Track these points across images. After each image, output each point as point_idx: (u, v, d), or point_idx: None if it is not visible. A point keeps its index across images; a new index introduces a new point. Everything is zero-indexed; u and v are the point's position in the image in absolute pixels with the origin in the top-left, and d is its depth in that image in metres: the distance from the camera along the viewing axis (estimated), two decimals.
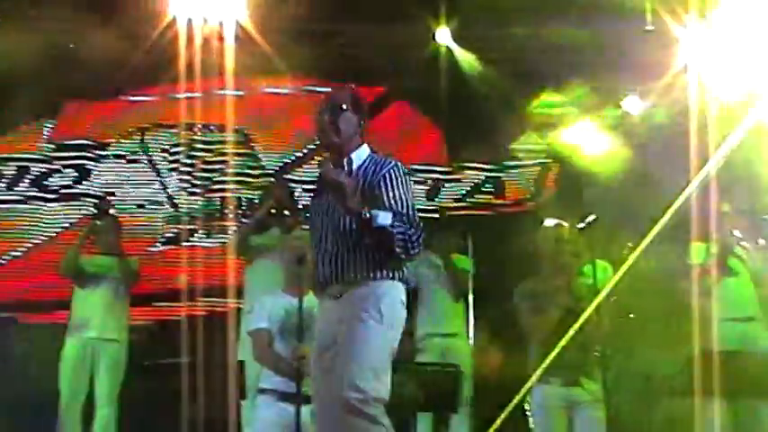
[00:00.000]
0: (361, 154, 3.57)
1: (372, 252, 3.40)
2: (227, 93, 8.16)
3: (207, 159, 8.04)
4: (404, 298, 3.48)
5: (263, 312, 4.87)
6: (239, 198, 7.87)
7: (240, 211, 7.85)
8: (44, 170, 7.82)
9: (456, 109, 7.79)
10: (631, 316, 5.52)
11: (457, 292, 6.21)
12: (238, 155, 8.09)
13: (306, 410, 4.49)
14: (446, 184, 8.12)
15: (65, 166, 7.86)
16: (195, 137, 8.09)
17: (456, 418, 5.75)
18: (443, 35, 7.73)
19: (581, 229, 5.35)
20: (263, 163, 8.11)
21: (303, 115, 8.17)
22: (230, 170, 8.02)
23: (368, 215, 3.28)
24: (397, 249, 3.31)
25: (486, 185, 8.16)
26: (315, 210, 3.62)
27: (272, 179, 7.43)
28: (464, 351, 6.01)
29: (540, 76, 7.77)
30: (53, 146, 7.92)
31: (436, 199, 8.08)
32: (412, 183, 3.55)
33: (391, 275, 3.44)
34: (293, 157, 8.13)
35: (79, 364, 5.99)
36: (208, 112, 8.11)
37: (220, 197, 7.96)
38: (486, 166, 8.18)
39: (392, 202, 3.40)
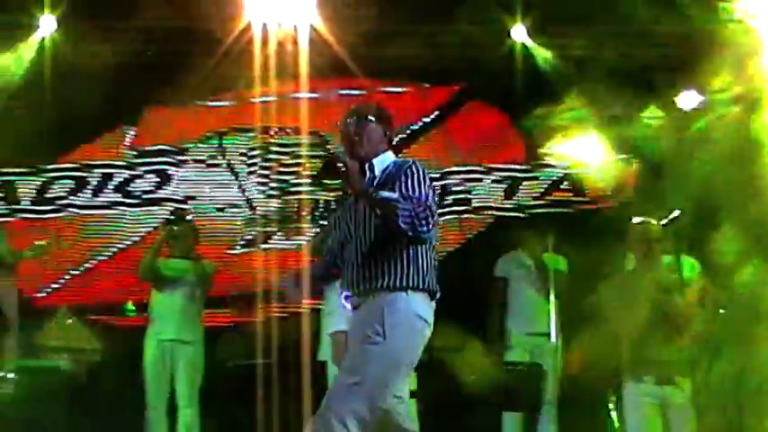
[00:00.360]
0: (384, 159, 3.62)
1: (389, 261, 3.41)
2: (302, 96, 8.25)
3: (284, 162, 8.10)
4: (422, 310, 3.42)
5: (343, 314, 4.87)
6: (316, 200, 7.90)
7: (317, 214, 7.89)
8: (127, 176, 7.98)
9: (533, 106, 7.68)
10: (722, 311, 5.35)
11: (547, 290, 6.13)
12: (315, 157, 8.13)
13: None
14: (524, 183, 8.01)
15: (146, 172, 8.01)
16: (272, 140, 8.16)
17: (544, 417, 5.68)
18: (519, 32, 7.67)
19: (665, 225, 5.26)
20: None
21: None
22: (307, 173, 8.07)
23: (372, 190, 3.39)
24: (403, 225, 3.29)
25: (565, 183, 8.04)
26: (337, 219, 3.72)
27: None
28: (552, 350, 5.92)
29: (618, 70, 7.64)
30: (135, 152, 8.07)
31: (515, 197, 7.98)
32: (429, 179, 3.54)
33: (408, 284, 3.41)
34: None
35: (159, 366, 6.09)
36: (284, 116, 8.19)
37: (297, 200, 8.00)
38: (564, 164, 8.05)
39: (403, 189, 3.43)
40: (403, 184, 3.46)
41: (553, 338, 5.59)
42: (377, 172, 3.57)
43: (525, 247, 6.35)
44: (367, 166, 3.57)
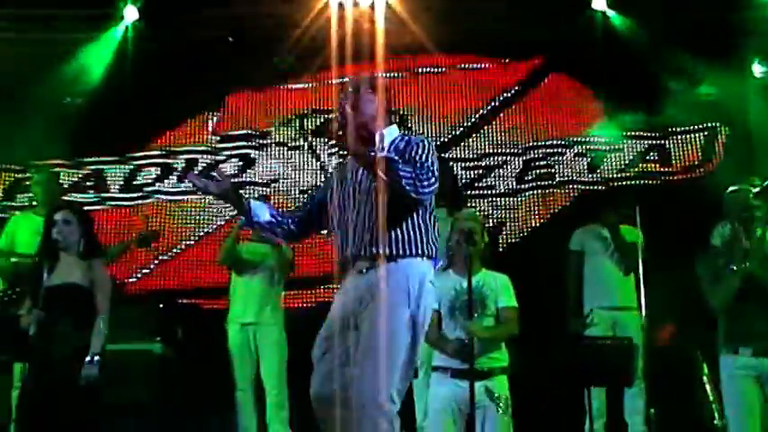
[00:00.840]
0: (391, 131, 3.64)
1: (401, 227, 3.43)
2: (380, 75, 8.24)
3: None
4: (431, 276, 3.48)
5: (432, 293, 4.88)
6: None
7: None
8: (211, 161, 8.09)
9: (615, 76, 7.52)
10: None
11: (626, 264, 5.99)
12: None
13: (479, 386, 4.50)
14: (609, 155, 7.85)
15: (230, 156, 8.11)
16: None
17: (632, 391, 5.59)
18: (599, 1, 7.51)
19: (757, 193, 5.09)
20: None
21: (458, 93, 8.17)
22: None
23: (374, 152, 3.38)
24: (407, 186, 3.32)
25: (651, 154, 7.84)
26: (336, 184, 3.64)
27: None
28: (635, 324, 5.80)
29: (701, 37, 7.42)
30: (218, 137, 8.18)
31: (599, 170, 7.83)
32: (435, 151, 3.57)
33: (418, 252, 3.45)
34: (450, 136, 8.08)
35: (243, 349, 6.18)
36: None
37: None
38: (649, 134, 7.85)
39: (407, 157, 3.46)
40: (407, 154, 3.49)
41: (639, 312, 5.46)
42: (386, 142, 3.57)
43: (601, 219, 6.20)
44: (378, 136, 3.55)
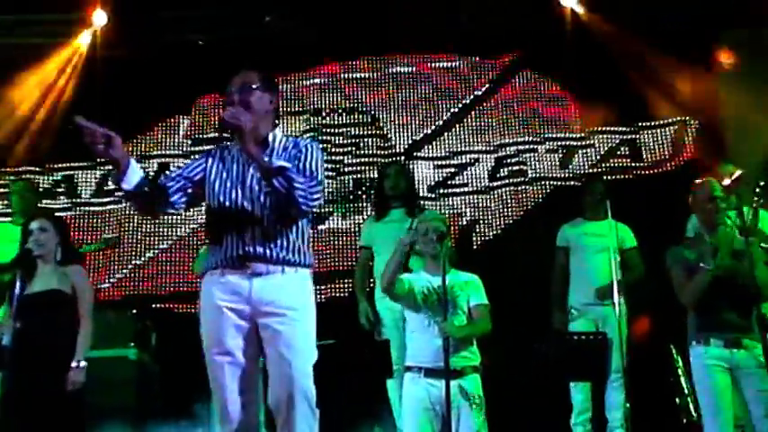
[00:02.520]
0: (277, 133, 3.61)
1: (291, 235, 3.44)
2: (352, 75, 8.26)
3: (336, 143, 8.09)
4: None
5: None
6: (371, 179, 7.88)
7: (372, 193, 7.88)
8: (183, 165, 8.03)
9: (586, 72, 7.57)
10: None
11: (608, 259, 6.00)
12: (367, 136, 8.12)
13: (452, 385, 4.50)
14: (580, 151, 7.89)
15: None
16: (325, 121, 8.16)
17: (612, 385, 5.62)
18: None
19: (727, 186, 5.13)
20: (392, 143, 8.10)
21: (430, 91, 8.19)
22: (360, 151, 8.07)
23: (267, 159, 3.36)
24: (299, 199, 3.31)
25: (622, 148, 7.89)
26: (219, 183, 3.54)
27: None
28: (618, 318, 5.83)
29: (670, 31, 7.49)
30: (190, 140, 8.15)
31: (570, 166, 7.87)
32: (323, 159, 3.60)
33: (309, 263, 3.50)
34: (421, 135, 8.09)
35: None
36: (335, 97, 8.20)
37: (353, 179, 8.00)
38: (619, 129, 7.90)
39: (299, 164, 3.45)
40: (300, 160, 3.46)
41: (617, 307, 5.49)
42: (277, 144, 3.56)
43: (585, 215, 6.24)
44: (270, 137, 3.55)
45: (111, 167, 3.37)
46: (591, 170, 7.74)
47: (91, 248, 6.92)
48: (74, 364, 4.70)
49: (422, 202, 6.85)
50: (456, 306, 4.78)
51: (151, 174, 7.97)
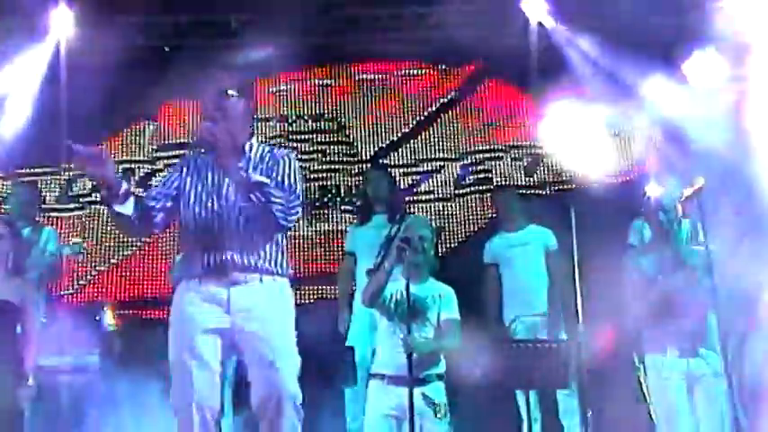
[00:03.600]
0: (253, 142, 3.63)
1: (268, 244, 3.46)
2: (318, 82, 8.27)
3: (302, 150, 8.10)
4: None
5: None
6: (337, 186, 7.90)
7: (338, 199, 7.89)
8: (148, 170, 8.02)
9: (551, 82, 7.63)
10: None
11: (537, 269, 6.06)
12: (333, 143, 8.14)
13: (416, 392, 4.52)
14: (544, 160, 7.96)
15: (167, 165, 8.03)
16: (290, 128, 8.17)
17: (563, 392, 5.66)
18: (531, 7, 7.61)
19: (687, 197, 5.18)
20: (357, 150, 8.13)
21: (396, 99, 8.22)
22: (326, 158, 8.08)
23: (245, 173, 3.36)
24: (277, 214, 3.34)
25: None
26: (194, 194, 3.53)
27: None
28: (553, 329, 5.87)
29: (636, 43, 7.56)
30: (155, 146, 8.11)
31: (535, 175, 7.94)
32: (300, 171, 3.66)
33: (286, 273, 3.54)
34: (387, 142, 8.12)
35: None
36: (301, 103, 8.21)
37: (318, 186, 8.01)
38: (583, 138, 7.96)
39: (279, 179, 3.46)
40: (278, 173, 3.48)
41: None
42: (253, 153, 3.57)
43: (504, 227, 6.30)
44: (246, 146, 3.55)
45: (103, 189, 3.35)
46: (557, 178, 7.81)
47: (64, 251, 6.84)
48: (25, 379, 4.62)
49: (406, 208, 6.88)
50: (425, 318, 4.77)
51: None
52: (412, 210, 7.75)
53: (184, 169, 3.58)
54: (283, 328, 3.47)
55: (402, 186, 7.88)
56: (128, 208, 3.34)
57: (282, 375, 3.38)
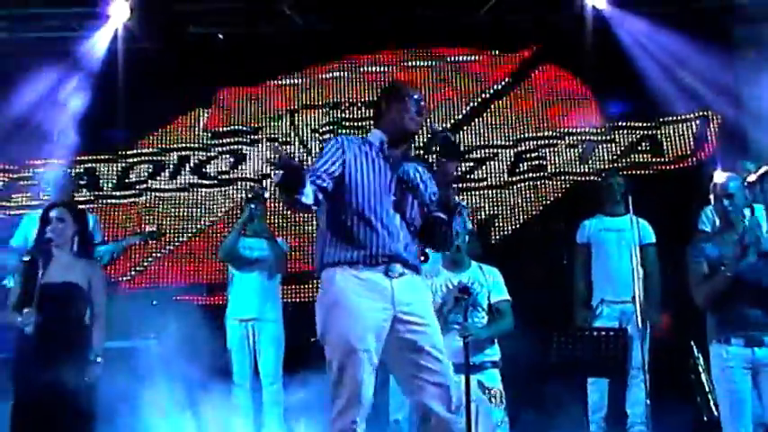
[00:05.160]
0: None
1: (415, 242, 3.52)
2: (371, 68, 8.26)
3: (356, 136, 8.09)
4: None
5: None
6: None
7: None
8: (203, 158, 8.09)
9: (606, 67, 7.53)
10: None
11: (629, 255, 5.96)
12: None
13: (472, 379, 4.50)
14: (600, 146, 7.86)
15: (221, 153, 8.10)
16: (343, 115, 8.17)
17: (632, 382, 5.61)
18: None
19: (751, 182, 5.08)
20: None
21: (449, 86, 8.18)
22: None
23: (451, 192, 3.46)
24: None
25: (643, 144, 7.85)
26: (367, 183, 3.49)
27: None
28: (639, 315, 5.79)
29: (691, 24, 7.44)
30: (210, 133, 8.17)
31: (590, 161, 7.84)
32: None
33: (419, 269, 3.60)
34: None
35: (242, 345, 6.14)
36: (354, 90, 8.21)
37: None
38: (640, 124, 7.86)
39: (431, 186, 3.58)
40: (429, 179, 3.55)
41: (638, 304, 5.45)
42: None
43: (604, 210, 6.21)
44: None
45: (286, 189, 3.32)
46: (611, 165, 7.70)
47: (134, 239, 6.94)
48: (91, 357, 4.72)
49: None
50: (476, 303, 4.77)
51: (171, 166, 8.04)
52: (464, 197, 7.72)
53: (348, 153, 3.53)
54: (435, 323, 3.51)
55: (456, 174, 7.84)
56: (308, 198, 3.35)
57: (450, 371, 3.43)
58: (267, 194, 6.59)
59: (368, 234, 3.41)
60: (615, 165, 7.65)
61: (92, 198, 7.95)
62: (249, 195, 6.48)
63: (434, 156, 3.66)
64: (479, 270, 4.93)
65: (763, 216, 4.66)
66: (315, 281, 7.42)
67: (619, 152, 7.82)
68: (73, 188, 6.79)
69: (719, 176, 4.61)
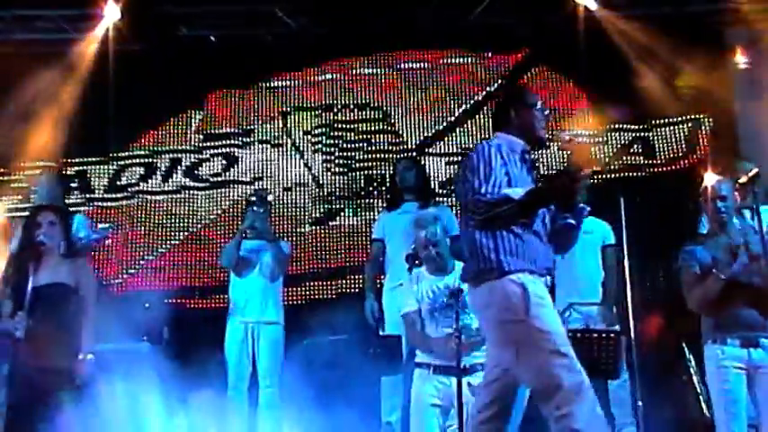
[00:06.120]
0: None
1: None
2: (364, 71, 8.26)
3: (348, 138, 8.10)
4: None
5: (411, 295, 4.90)
6: (382, 175, 7.87)
7: (383, 189, 7.87)
8: (195, 160, 8.07)
9: (599, 69, 7.54)
10: None
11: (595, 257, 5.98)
12: (378, 132, 8.13)
13: (463, 382, 4.50)
14: (593, 148, 7.87)
15: (214, 155, 8.09)
16: (336, 117, 8.17)
17: (615, 383, 5.60)
18: None
19: (742, 183, 5.07)
20: (403, 139, 8.10)
21: (441, 88, 8.18)
22: (372, 147, 8.07)
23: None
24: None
25: (635, 146, 7.86)
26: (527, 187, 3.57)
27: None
28: (606, 319, 5.80)
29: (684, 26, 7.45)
30: (202, 136, 8.16)
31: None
32: None
33: None
34: (433, 131, 8.09)
35: (242, 347, 6.11)
36: (346, 93, 8.21)
37: (364, 175, 8.00)
38: (633, 127, 7.87)
39: None
40: None
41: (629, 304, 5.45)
42: None
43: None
44: None
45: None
46: (604, 167, 7.72)
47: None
48: (80, 357, 4.71)
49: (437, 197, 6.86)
50: (466, 307, 4.77)
51: (163, 168, 8.02)
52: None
53: (511, 165, 3.52)
54: None
55: (448, 176, 7.85)
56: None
57: None
58: (270, 197, 6.53)
59: (535, 246, 3.47)
60: (608, 167, 7.67)
61: (83, 200, 7.91)
62: (251, 198, 6.41)
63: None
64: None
65: (749, 218, 4.65)
66: (309, 283, 7.54)
67: (611, 154, 7.83)
68: (62, 192, 6.75)
69: (711, 179, 4.61)
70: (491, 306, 3.41)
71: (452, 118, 8.10)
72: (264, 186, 7.80)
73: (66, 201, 7.68)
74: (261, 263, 6.20)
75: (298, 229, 7.79)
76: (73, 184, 7.94)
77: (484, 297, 3.44)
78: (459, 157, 7.92)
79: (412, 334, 4.90)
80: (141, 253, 7.71)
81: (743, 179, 4.68)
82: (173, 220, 7.89)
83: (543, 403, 3.28)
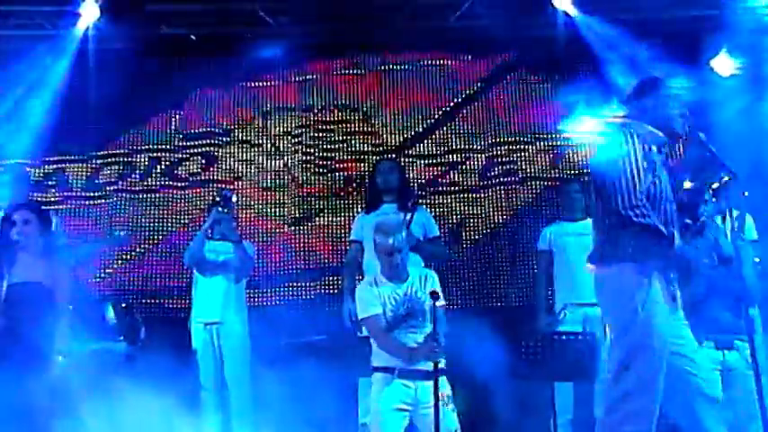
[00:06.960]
0: None
1: None
2: (345, 71, 8.26)
3: (328, 139, 8.10)
4: None
5: (374, 299, 4.92)
6: (362, 176, 7.87)
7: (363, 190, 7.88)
8: (174, 159, 8.04)
9: (578, 73, 7.59)
10: None
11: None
12: (359, 133, 8.13)
13: (425, 386, 4.52)
14: (570, 151, 7.91)
15: (192, 154, 8.06)
16: (316, 117, 8.17)
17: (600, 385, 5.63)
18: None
19: (716, 189, 5.12)
20: (383, 140, 8.11)
21: (422, 90, 8.20)
22: (352, 148, 8.08)
23: None
24: None
25: None
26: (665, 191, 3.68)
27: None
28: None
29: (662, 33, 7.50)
30: (181, 135, 8.13)
31: (560, 166, 7.90)
32: None
33: None
34: (413, 133, 8.10)
35: (207, 348, 6.09)
36: (327, 93, 8.20)
37: (344, 176, 8.00)
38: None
39: None
40: None
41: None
42: None
43: (564, 216, 6.26)
44: None
45: None
46: (582, 170, 7.76)
47: (101, 244, 6.89)
48: (54, 358, 4.69)
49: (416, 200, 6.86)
50: (424, 313, 4.80)
51: (142, 167, 7.99)
52: (439, 201, 7.76)
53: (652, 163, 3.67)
54: None
55: (427, 177, 7.87)
56: None
57: None
58: (235, 198, 6.50)
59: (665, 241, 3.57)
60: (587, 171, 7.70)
61: (61, 198, 7.87)
62: (216, 199, 6.39)
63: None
64: (418, 277, 4.94)
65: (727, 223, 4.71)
66: (287, 283, 7.53)
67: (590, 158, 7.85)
68: (28, 190, 6.70)
69: (688, 185, 4.66)
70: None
71: (432, 120, 8.12)
72: (241, 186, 7.77)
73: (44, 198, 7.64)
74: (225, 264, 6.18)
75: (277, 229, 7.77)
76: (50, 182, 7.89)
77: None
78: (439, 159, 7.95)
79: (383, 337, 4.85)
80: (119, 252, 7.67)
81: (716, 185, 4.73)
82: (151, 219, 7.85)
83: None
